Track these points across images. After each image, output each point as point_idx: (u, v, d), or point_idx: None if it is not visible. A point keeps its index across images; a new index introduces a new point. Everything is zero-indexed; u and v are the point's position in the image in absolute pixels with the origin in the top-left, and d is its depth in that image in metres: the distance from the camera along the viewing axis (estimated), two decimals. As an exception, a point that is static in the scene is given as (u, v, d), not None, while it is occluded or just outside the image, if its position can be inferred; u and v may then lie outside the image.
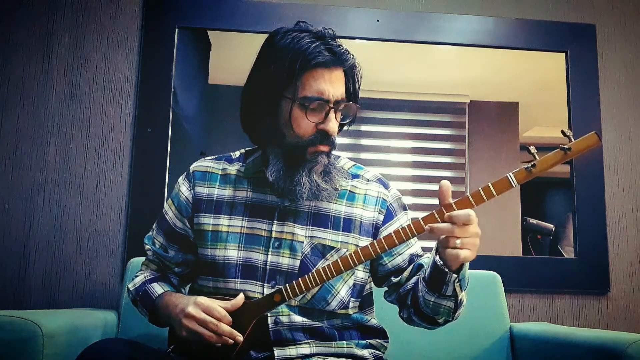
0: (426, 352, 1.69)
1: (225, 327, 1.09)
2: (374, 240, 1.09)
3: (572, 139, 1.01)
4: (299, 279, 1.11)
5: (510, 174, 1.02)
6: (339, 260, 1.09)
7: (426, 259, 1.23)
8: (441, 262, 1.05)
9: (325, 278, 1.10)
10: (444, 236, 1.03)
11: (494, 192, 1.02)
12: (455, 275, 1.05)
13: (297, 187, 1.15)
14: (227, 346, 1.10)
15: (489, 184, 1.02)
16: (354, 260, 1.09)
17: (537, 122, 2.16)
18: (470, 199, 1.03)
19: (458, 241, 1.01)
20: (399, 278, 1.23)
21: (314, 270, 1.11)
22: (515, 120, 2.18)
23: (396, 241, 1.07)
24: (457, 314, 1.14)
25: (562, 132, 1.01)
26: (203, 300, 1.11)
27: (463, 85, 2.18)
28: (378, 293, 1.36)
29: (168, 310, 1.18)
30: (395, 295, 1.24)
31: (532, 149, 1.01)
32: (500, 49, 2.14)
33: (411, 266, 1.23)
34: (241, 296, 1.13)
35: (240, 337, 1.09)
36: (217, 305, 1.10)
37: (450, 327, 1.66)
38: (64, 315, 1.39)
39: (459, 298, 1.10)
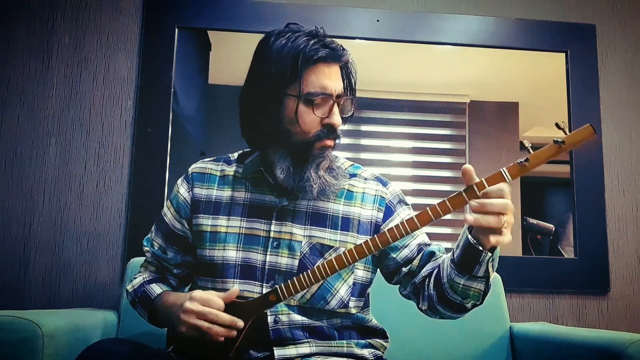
0: (426, 352, 1.69)
1: (225, 316, 1.07)
2: (369, 238, 1.09)
3: (567, 132, 0.97)
4: (294, 278, 1.11)
5: (504, 168, 1.00)
6: (333, 259, 1.09)
7: (435, 247, 1.23)
8: (475, 241, 1.03)
9: (320, 277, 1.09)
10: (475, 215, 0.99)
11: (487, 187, 0.99)
12: (490, 254, 1.03)
13: (307, 184, 1.15)
14: (226, 344, 1.09)
15: (483, 179, 1.00)
16: (348, 259, 1.08)
17: (537, 122, 2.16)
18: (464, 195, 1.01)
19: (505, 218, 0.97)
20: (409, 266, 1.22)
21: (309, 270, 1.11)
22: (515, 120, 2.18)
23: (389, 238, 1.06)
24: (486, 296, 1.12)
25: (557, 124, 0.97)
26: (199, 293, 1.10)
27: (463, 85, 2.17)
28: (376, 294, 1.36)
29: (167, 309, 1.18)
30: (411, 287, 1.23)
31: (527, 143, 0.98)
32: (500, 49, 2.14)
33: (420, 254, 1.23)
34: (235, 288, 1.12)
35: (241, 323, 1.08)
36: (215, 297, 1.09)
37: (450, 327, 1.68)
38: (64, 315, 1.39)
39: (490, 279, 1.08)
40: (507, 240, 1.00)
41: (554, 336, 1.57)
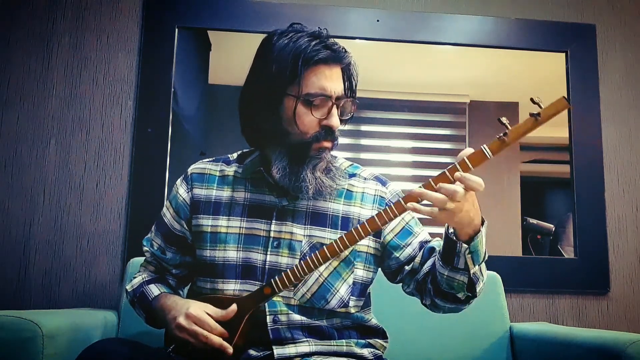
0: (426, 352, 1.69)
1: (215, 339, 1.09)
2: (358, 224, 1.09)
3: (542, 106, 1.01)
4: (288, 269, 1.12)
5: (484, 145, 1.02)
6: (325, 247, 1.10)
7: (436, 242, 1.24)
8: (451, 231, 1.05)
9: (312, 267, 1.10)
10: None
11: (470, 166, 1.01)
12: (465, 246, 1.04)
13: (302, 184, 1.15)
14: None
15: (464, 157, 1.02)
16: (339, 246, 1.09)
17: (537, 122, 2.16)
18: (447, 174, 1.02)
19: (450, 205, 0.98)
20: (411, 264, 1.23)
21: (301, 261, 1.11)
22: (515, 120, 2.14)
23: (379, 223, 1.07)
24: (478, 289, 1.12)
25: (532, 99, 1.01)
26: (194, 310, 1.11)
27: (463, 85, 2.17)
28: (376, 293, 1.36)
29: (163, 313, 1.18)
30: (414, 285, 1.23)
31: (504, 119, 1.02)
32: (500, 49, 2.14)
33: (422, 251, 1.23)
34: (233, 307, 1.13)
35: (230, 350, 1.10)
36: (208, 317, 1.10)
37: (451, 327, 1.68)
38: (64, 315, 1.39)
39: (472, 272, 1.08)
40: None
41: (554, 336, 1.57)
